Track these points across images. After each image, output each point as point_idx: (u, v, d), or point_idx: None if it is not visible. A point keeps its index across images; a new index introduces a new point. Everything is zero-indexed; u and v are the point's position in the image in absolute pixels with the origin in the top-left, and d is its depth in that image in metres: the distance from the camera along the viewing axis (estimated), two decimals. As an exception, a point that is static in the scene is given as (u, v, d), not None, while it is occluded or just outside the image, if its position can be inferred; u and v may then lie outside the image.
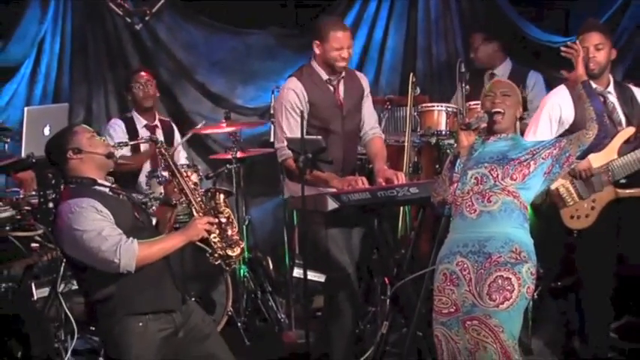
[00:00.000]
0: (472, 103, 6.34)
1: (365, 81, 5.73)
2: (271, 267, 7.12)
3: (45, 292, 5.81)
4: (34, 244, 5.85)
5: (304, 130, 5.08)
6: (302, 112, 5.27)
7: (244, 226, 6.95)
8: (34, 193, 5.86)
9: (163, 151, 4.57)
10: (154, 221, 4.58)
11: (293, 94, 5.42)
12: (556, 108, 5.37)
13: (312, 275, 5.89)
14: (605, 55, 5.32)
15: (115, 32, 7.90)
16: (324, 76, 5.51)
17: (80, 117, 7.77)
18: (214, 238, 4.38)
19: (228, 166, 6.88)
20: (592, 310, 5.44)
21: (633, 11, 7.11)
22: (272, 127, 6.86)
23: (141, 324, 4.21)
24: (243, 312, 6.56)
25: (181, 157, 6.84)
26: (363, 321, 6.23)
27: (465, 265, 4.26)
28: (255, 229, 7.48)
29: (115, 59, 7.94)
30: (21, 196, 5.82)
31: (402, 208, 6.36)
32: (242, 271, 6.69)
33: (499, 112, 4.36)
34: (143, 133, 6.40)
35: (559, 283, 6.27)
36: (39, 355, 5.40)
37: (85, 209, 4.12)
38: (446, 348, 4.34)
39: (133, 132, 6.42)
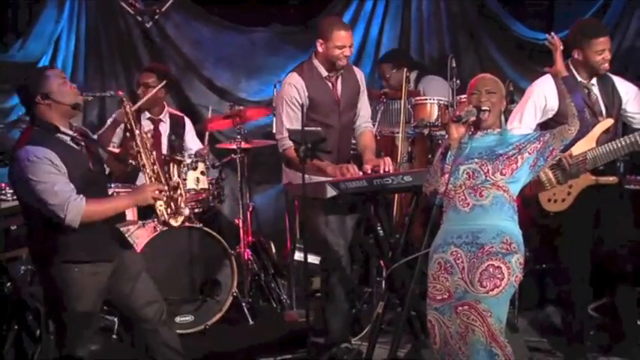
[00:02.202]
0: (462, 97, 6.33)
1: (361, 76, 5.72)
2: (274, 251, 7.12)
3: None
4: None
5: (304, 122, 5.08)
6: (302, 105, 5.26)
7: (248, 212, 6.95)
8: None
9: (127, 109, 4.47)
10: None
11: (293, 88, 5.41)
12: (541, 97, 5.36)
13: (311, 258, 5.88)
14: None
15: (127, 30, 7.90)
16: (324, 72, 5.49)
17: (94, 110, 7.78)
18: (160, 206, 4.34)
19: (232, 155, 6.88)
20: (571, 290, 5.44)
21: (613, 10, 7.10)
22: (274, 119, 6.86)
23: (77, 269, 4.19)
24: (247, 293, 6.57)
25: (197, 145, 6.80)
26: (360, 301, 6.24)
27: (459, 255, 4.25)
28: (259, 215, 7.49)
29: (127, 56, 7.94)
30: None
31: (396, 195, 6.36)
32: (246, 254, 6.70)
33: (486, 110, 4.34)
34: (146, 124, 6.35)
35: (543, 265, 6.27)
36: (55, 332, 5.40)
37: (41, 160, 4.07)
38: (438, 332, 4.34)
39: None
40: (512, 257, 4.20)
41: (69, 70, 7.69)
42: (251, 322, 6.35)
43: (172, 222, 4.40)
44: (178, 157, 4.57)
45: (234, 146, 6.83)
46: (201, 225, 6.21)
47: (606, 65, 5.30)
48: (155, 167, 4.42)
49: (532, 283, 6.35)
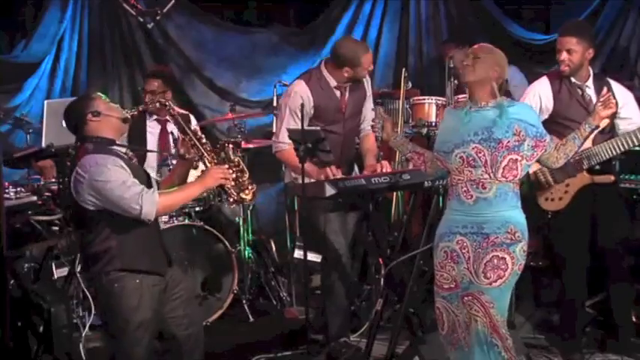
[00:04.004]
0: (461, 96, 6.33)
1: (368, 83, 5.69)
2: (274, 249, 7.12)
3: (64, 271, 5.81)
4: (54, 227, 5.85)
5: (304, 123, 5.07)
6: (303, 107, 5.22)
7: (249, 211, 6.94)
8: (53, 180, 5.86)
9: (172, 112, 4.58)
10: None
11: (299, 98, 5.33)
12: (536, 97, 5.35)
13: (311, 256, 5.88)
14: (579, 57, 5.27)
15: (129, 31, 7.90)
16: (333, 82, 5.44)
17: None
18: (229, 186, 4.40)
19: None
20: (567, 287, 5.44)
21: (608, 12, 7.10)
22: (275, 118, 6.85)
23: (137, 280, 4.20)
24: (247, 290, 6.56)
25: None
26: (359, 298, 6.23)
27: (465, 244, 4.24)
28: (259, 213, 7.48)
29: (129, 56, 7.94)
30: (42, 183, 5.81)
31: (395, 193, 6.35)
32: (247, 252, 6.70)
33: (468, 75, 4.29)
34: (152, 125, 6.34)
35: (540, 263, 6.27)
36: (60, 330, 5.40)
37: (107, 163, 4.11)
38: (447, 319, 4.34)
39: (139, 123, 6.29)
40: (516, 246, 4.19)
41: (72, 71, 7.70)
42: (251, 320, 6.35)
43: (244, 196, 4.46)
44: (233, 140, 4.68)
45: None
46: (202, 223, 6.21)
47: (563, 67, 5.24)
48: (213, 154, 4.49)
49: (529, 280, 6.35)
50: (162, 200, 4.17)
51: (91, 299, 5.67)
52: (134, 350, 4.24)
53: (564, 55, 5.23)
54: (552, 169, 4.92)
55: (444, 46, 7.37)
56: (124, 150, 4.34)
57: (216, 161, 4.47)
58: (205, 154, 4.48)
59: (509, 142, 4.19)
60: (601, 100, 4.53)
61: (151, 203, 4.11)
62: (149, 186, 4.26)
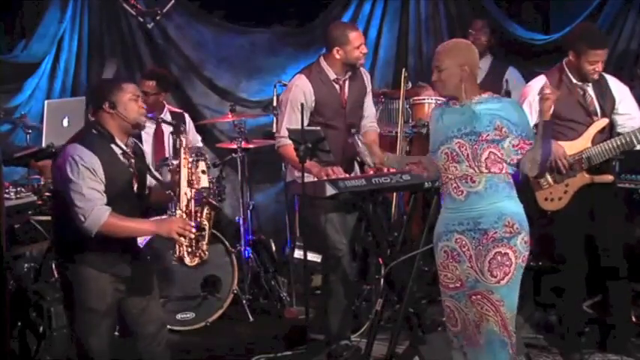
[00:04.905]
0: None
1: (368, 78, 5.71)
2: (274, 249, 7.12)
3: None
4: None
5: (304, 122, 5.07)
6: (303, 105, 5.23)
7: (249, 211, 6.94)
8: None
9: (182, 140, 4.51)
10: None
11: (300, 92, 5.38)
12: (536, 98, 5.34)
13: (311, 256, 5.88)
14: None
15: (129, 31, 7.88)
16: (332, 75, 5.47)
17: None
18: (181, 242, 4.34)
19: (233, 155, 6.86)
20: (566, 287, 5.44)
21: (608, 11, 7.09)
22: (274, 118, 6.85)
23: (95, 272, 4.23)
24: (247, 290, 6.56)
25: (198, 139, 6.77)
26: (358, 298, 6.23)
27: (464, 242, 4.21)
28: (259, 213, 7.48)
29: (129, 56, 7.92)
30: (42, 183, 5.80)
31: (394, 193, 6.35)
32: (247, 252, 6.69)
33: (436, 83, 4.29)
34: (149, 124, 6.33)
35: (540, 263, 6.26)
36: (60, 329, 5.40)
37: (84, 163, 4.12)
38: (459, 317, 4.31)
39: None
40: (517, 239, 4.16)
41: (72, 71, 7.69)
42: (251, 319, 6.35)
43: (187, 260, 4.39)
44: (215, 203, 4.59)
45: (235, 145, 6.82)
46: (202, 223, 6.20)
47: (596, 75, 5.26)
48: (190, 204, 4.41)
49: (528, 280, 6.34)
50: (110, 222, 4.14)
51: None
52: (89, 339, 4.28)
53: (600, 66, 5.25)
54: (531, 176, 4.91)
55: (477, 22, 7.23)
56: (120, 150, 4.31)
57: (187, 213, 4.39)
58: (182, 200, 4.39)
59: (488, 135, 4.15)
60: (538, 94, 4.48)
61: (96, 220, 4.11)
62: (124, 193, 4.25)
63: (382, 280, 5.46)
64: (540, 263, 6.26)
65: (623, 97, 5.38)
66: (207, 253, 4.46)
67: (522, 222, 4.19)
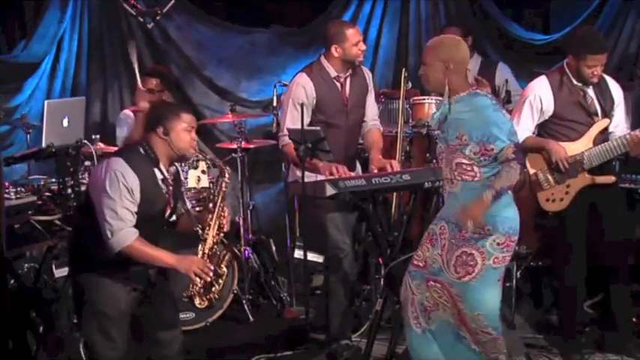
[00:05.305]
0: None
1: (369, 76, 5.70)
2: (274, 249, 7.11)
3: (64, 271, 5.79)
4: (54, 227, 5.83)
5: (304, 122, 5.07)
6: (303, 104, 5.23)
7: (249, 211, 6.93)
8: (53, 180, 5.84)
9: (226, 180, 4.55)
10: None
11: (302, 89, 5.38)
12: (537, 99, 5.33)
13: (311, 256, 5.88)
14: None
15: (129, 31, 7.87)
16: (333, 73, 5.47)
17: (97, 109, 7.77)
18: (196, 283, 4.35)
19: (233, 155, 6.86)
20: (567, 287, 5.43)
21: (608, 12, 7.09)
22: (274, 118, 6.83)
23: (110, 281, 4.27)
24: (247, 290, 6.55)
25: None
26: (359, 298, 6.22)
27: (444, 230, 4.30)
28: (259, 213, 7.47)
29: (129, 56, 7.90)
30: (42, 183, 5.80)
31: (394, 193, 6.34)
32: (247, 252, 6.68)
33: (421, 77, 4.35)
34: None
35: (540, 263, 6.26)
36: (59, 329, 5.40)
37: (125, 183, 4.14)
38: (403, 293, 4.43)
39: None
40: (485, 241, 4.19)
41: (72, 71, 7.69)
42: (251, 319, 6.34)
43: (196, 301, 4.40)
44: (237, 252, 4.60)
45: (235, 145, 6.81)
46: (202, 223, 6.19)
47: (595, 79, 5.25)
48: (215, 248, 4.44)
49: (529, 280, 6.34)
50: (134, 246, 4.17)
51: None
52: (97, 345, 4.31)
53: (599, 70, 5.23)
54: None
55: (446, 29, 7.15)
56: (161, 176, 4.33)
57: (208, 255, 4.41)
58: (208, 242, 4.43)
59: (454, 143, 4.24)
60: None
61: (122, 241, 4.15)
62: (153, 219, 4.27)
63: (382, 280, 5.46)
64: (540, 263, 6.26)
65: (619, 101, 5.39)
66: (215, 297, 4.47)
67: (496, 224, 4.21)
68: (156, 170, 4.30)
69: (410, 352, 4.52)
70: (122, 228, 4.14)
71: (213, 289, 4.41)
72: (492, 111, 4.22)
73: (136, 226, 4.20)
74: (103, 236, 4.16)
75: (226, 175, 4.58)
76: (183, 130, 4.30)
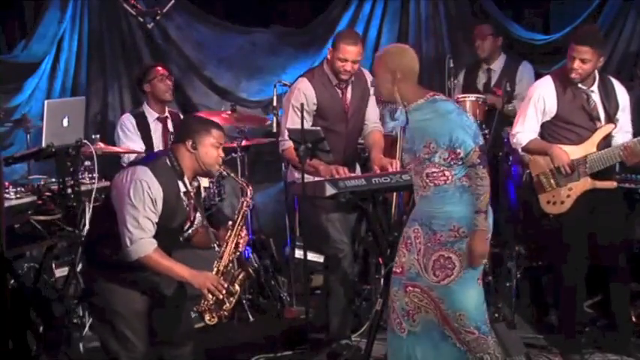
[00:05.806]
0: (459, 96, 6.33)
1: (370, 79, 5.67)
2: (274, 249, 7.11)
3: (64, 271, 5.80)
4: (54, 227, 5.82)
5: (304, 124, 5.06)
6: (303, 105, 5.22)
7: (249, 211, 6.92)
8: (53, 180, 5.84)
9: (248, 201, 4.55)
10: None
11: (302, 95, 5.37)
12: (540, 100, 5.32)
13: (311, 256, 5.87)
14: (592, 66, 5.19)
15: (129, 31, 7.88)
16: (334, 80, 5.46)
17: (97, 109, 7.76)
18: (208, 299, 4.32)
19: (233, 154, 6.85)
20: (567, 288, 5.43)
21: (608, 12, 7.09)
22: (274, 118, 6.84)
23: (125, 282, 4.28)
24: (247, 290, 6.55)
25: None
26: (359, 298, 6.22)
27: (418, 234, 4.30)
28: (259, 213, 7.46)
29: (129, 56, 7.92)
30: (42, 183, 5.79)
31: (394, 193, 6.34)
32: (247, 252, 6.68)
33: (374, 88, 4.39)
34: (155, 125, 6.32)
35: (540, 263, 6.26)
36: (59, 329, 5.39)
37: (149, 193, 4.15)
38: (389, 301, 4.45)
39: (144, 126, 6.29)
40: (462, 244, 4.20)
41: (72, 71, 7.68)
42: (251, 319, 6.34)
43: (207, 317, 4.37)
44: (251, 271, 4.61)
45: (235, 145, 6.81)
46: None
47: (574, 75, 5.18)
48: (230, 265, 4.44)
49: (529, 280, 6.34)
50: (152, 257, 4.18)
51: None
52: (110, 343, 4.32)
53: (577, 64, 5.15)
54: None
55: (481, 28, 7.12)
56: (184, 189, 4.33)
57: (223, 272, 4.41)
58: (224, 259, 4.43)
59: (422, 154, 4.24)
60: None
61: (140, 250, 4.16)
62: (172, 232, 4.29)
63: (382, 280, 5.46)
64: (540, 263, 6.26)
65: (624, 105, 5.36)
66: (226, 315, 4.43)
67: (470, 225, 4.21)
68: (180, 183, 4.31)
69: (389, 357, 4.52)
70: (142, 237, 4.14)
71: (225, 306, 4.38)
72: (456, 115, 4.25)
73: (154, 237, 4.21)
74: (122, 243, 4.16)
75: (249, 194, 4.57)
76: (211, 146, 4.31)
